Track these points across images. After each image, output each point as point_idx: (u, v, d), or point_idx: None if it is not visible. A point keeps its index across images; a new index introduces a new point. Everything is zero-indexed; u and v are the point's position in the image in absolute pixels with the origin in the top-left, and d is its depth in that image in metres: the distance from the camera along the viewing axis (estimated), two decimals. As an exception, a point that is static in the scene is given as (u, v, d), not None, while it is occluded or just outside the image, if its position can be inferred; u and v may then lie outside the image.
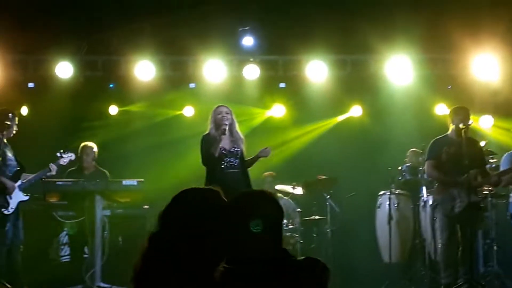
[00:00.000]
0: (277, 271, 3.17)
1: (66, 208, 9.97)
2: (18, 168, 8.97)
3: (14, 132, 9.05)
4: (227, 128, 8.76)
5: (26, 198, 8.98)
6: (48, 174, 9.23)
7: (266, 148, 9.00)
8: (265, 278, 3.13)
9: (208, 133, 8.89)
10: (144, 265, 2.90)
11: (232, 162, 8.77)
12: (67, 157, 9.49)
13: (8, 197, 8.78)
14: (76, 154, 9.93)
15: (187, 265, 2.84)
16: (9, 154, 8.91)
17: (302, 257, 3.37)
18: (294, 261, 3.29)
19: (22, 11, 10.67)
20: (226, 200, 3.21)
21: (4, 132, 8.86)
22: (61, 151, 9.51)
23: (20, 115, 11.45)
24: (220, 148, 8.72)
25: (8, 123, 8.91)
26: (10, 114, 9.05)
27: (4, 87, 11.78)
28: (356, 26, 11.45)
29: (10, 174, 8.90)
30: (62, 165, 9.45)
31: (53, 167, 9.24)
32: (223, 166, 8.74)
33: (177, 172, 11.82)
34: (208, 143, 8.76)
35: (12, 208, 8.79)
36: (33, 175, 9.17)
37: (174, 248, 2.86)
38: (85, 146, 10.77)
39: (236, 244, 3.09)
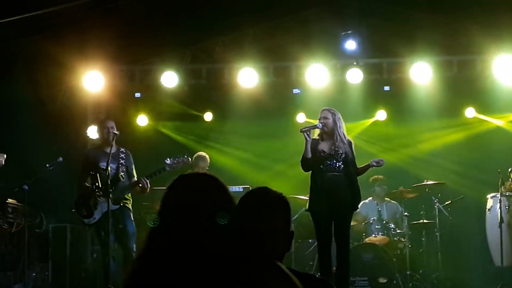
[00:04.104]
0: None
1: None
2: (111, 178, 9.27)
3: (113, 140, 9.56)
4: (318, 130, 9.11)
5: (115, 207, 9.29)
6: (167, 168, 9.56)
7: (380, 159, 9.25)
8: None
9: (314, 138, 9.19)
10: (147, 248, 3.02)
11: (332, 164, 8.98)
12: (180, 160, 9.73)
13: (92, 206, 9.35)
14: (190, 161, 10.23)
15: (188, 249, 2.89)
16: (110, 164, 9.28)
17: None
18: None
19: (127, 23, 11.32)
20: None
21: (106, 142, 9.58)
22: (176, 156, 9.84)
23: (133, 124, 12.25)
24: (319, 151, 9.03)
25: (112, 132, 9.55)
26: (110, 123, 9.75)
27: (112, 97, 12.57)
28: (461, 26, 11.67)
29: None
30: (172, 164, 9.64)
31: (168, 161, 9.60)
32: (322, 168, 9.00)
33: (286, 178, 12.27)
34: (306, 147, 9.02)
35: (95, 218, 9.36)
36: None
37: (173, 231, 2.96)
38: (199, 156, 11.35)
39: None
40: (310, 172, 9.14)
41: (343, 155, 9.01)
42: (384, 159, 9.32)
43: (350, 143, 9.21)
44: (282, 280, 2.84)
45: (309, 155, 8.98)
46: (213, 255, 2.85)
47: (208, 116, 13.72)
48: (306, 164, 9.07)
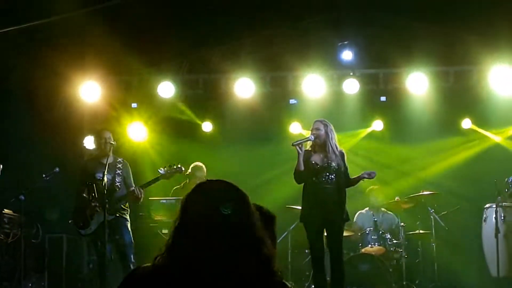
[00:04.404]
0: None
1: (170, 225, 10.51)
2: (107, 188, 9.25)
3: (110, 150, 9.60)
4: (311, 142, 9.20)
5: (111, 217, 9.27)
6: (160, 178, 9.60)
7: (372, 172, 9.26)
8: None
9: (307, 149, 9.30)
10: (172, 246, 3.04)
11: (325, 177, 9.08)
12: (174, 169, 9.72)
13: (89, 217, 9.36)
14: (184, 171, 10.21)
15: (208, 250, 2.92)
16: (106, 174, 9.28)
17: None
18: None
19: (124, 33, 11.36)
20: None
21: (102, 152, 9.61)
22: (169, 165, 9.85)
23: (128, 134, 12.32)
24: (312, 163, 9.12)
25: (110, 142, 9.59)
26: (107, 133, 9.79)
27: (108, 107, 12.62)
28: (458, 36, 11.73)
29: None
30: (166, 174, 9.63)
31: (162, 171, 9.64)
32: (314, 180, 9.11)
33: (282, 188, 12.33)
34: (299, 159, 9.09)
35: (91, 228, 9.37)
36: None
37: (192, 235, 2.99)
38: (196, 166, 11.39)
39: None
40: (303, 184, 9.25)
41: (336, 167, 9.11)
42: (375, 172, 9.33)
43: (342, 154, 9.31)
44: None
45: (302, 167, 9.08)
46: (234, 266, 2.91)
47: (206, 126, 13.74)
48: (299, 176, 9.19)
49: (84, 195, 9.44)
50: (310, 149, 9.27)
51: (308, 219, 9.15)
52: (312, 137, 9.17)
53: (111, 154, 9.64)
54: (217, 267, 2.90)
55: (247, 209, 3.09)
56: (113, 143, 9.66)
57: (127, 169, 9.84)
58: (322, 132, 9.19)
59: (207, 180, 3.19)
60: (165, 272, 2.96)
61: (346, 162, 9.30)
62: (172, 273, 2.93)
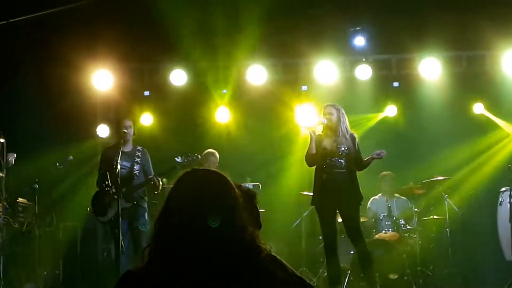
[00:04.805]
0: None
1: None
2: (125, 176, 9.42)
3: (130, 139, 9.74)
4: (321, 127, 9.22)
5: (128, 205, 9.36)
6: (178, 167, 9.51)
7: (381, 151, 9.25)
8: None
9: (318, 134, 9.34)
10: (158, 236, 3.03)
11: (335, 161, 9.10)
12: (191, 158, 9.68)
13: (107, 204, 9.39)
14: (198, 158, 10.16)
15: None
16: (124, 162, 9.44)
17: None
18: None
19: (136, 22, 11.40)
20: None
21: (121, 140, 9.61)
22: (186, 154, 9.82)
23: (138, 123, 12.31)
24: (323, 148, 9.12)
25: (125, 131, 9.65)
26: (128, 122, 9.84)
27: (121, 95, 12.65)
28: (470, 21, 11.68)
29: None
30: (183, 162, 9.58)
31: (179, 159, 9.60)
32: (324, 166, 9.13)
33: (294, 175, 12.35)
34: (311, 143, 9.17)
35: (109, 216, 9.40)
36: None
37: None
38: (207, 153, 11.41)
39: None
40: (314, 168, 9.29)
41: (346, 152, 9.13)
42: (385, 151, 9.29)
43: (353, 138, 9.31)
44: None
45: (314, 151, 9.11)
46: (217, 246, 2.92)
47: (221, 114, 13.71)
48: (310, 159, 9.20)
49: (103, 183, 9.47)
50: (321, 133, 9.28)
51: (319, 203, 9.19)
52: (325, 120, 9.16)
53: (130, 142, 9.73)
54: (202, 255, 2.91)
55: (231, 198, 3.08)
56: (132, 131, 9.76)
57: (146, 157, 9.86)
58: (335, 116, 9.20)
59: (192, 169, 3.18)
60: (155, 269, 2.95)
61: (357, 145, 9.29)
62: (161, 267, 2.93)
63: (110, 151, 9.82)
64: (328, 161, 9.09)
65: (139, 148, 9.87)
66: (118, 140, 9.86)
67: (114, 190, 9.27)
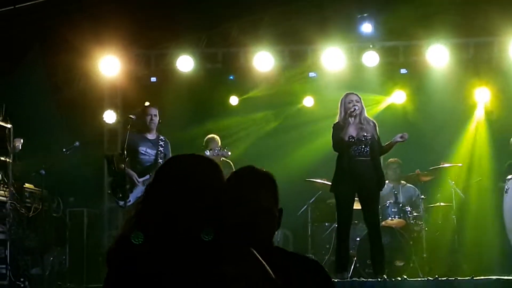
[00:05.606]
0: None
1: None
2: (149, 164, 9.65)
3: (155, 128, 9.90)
4: (356, 115, 9.18)
5: None
6: None
7: (404, 134, 9.29)
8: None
9: (338, 122, 9.34)
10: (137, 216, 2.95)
11: (360, 150, 9.15)
12: (220, 153, 9.91)
13: (129, 189, 9.50)
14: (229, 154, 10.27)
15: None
16: (148, 149, 9.71)
17: None
18: None
19: (142, 7, 11.40)
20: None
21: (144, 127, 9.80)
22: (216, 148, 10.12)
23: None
24: (348, 136, 9.13)
25: (152, 119, 9.84)
26: (153, 110, 9.97)
27: (128, 81, 12.67)
28: (478, 7, 11.65)
29: (141, 168, 9.71)
30: (211, 157, 9.47)
31: (207, 153, 9.82)
32: (351, 154, 9.15)
33: (302, 162, 12.36)
34: (338, 130, 9.20)
35: (130, 201, 9.46)
36: None
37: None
38: (209, 138, 11.44)
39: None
40: (332, 155, 9.40)
41: (370, 139, 9.18)
42: (407, 134, 9.34)
43: (374, 125, 9.40)
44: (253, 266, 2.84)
45: (346, 137, 9.09)
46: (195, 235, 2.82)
47: (233, 101, 13.76)
48: (339, 145, 9.18)
49: (125, 167, 9.52)
50: (342, 123, 9.27)
51: (340, 189, 9.27)
52: (357, 107, 9.17)
53: (155, 130, 9.92)
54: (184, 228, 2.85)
55: (217, 178, 3.04)
56: (157, 119, 9.92)
57: (168, 147, 10.01)
58: (360, 104, 9.26)
59: (182, 154, 3.15)
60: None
61: (378, 131, 9.36)
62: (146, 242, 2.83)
63: (134, 136, 9.88)
64: (354, 149, 9.13)
65: (162, 137, 10.01)
66: (141, 127, 9.95)
67: (138, 176, 9.40)
